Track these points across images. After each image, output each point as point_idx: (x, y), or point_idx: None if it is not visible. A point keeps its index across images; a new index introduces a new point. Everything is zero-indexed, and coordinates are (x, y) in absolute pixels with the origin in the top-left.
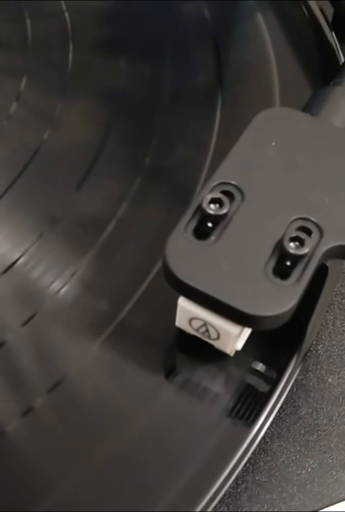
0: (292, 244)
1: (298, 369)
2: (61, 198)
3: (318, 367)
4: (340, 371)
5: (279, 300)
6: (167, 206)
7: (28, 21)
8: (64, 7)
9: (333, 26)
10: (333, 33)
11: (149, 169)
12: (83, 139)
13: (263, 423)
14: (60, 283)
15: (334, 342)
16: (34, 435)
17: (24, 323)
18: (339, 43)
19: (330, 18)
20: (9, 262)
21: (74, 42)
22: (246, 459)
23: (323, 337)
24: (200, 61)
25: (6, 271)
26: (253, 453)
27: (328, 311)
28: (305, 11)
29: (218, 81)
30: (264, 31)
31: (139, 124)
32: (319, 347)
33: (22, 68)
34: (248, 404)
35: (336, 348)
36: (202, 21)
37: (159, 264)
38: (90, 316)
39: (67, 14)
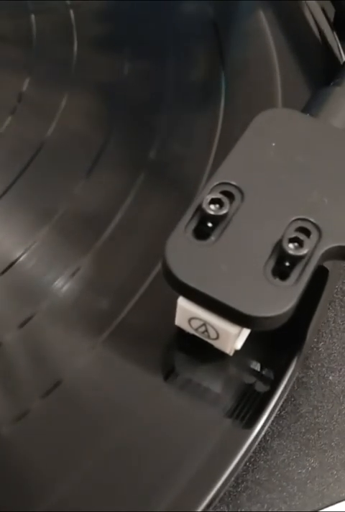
0: (291, 245)
1: (298, 370)
2: (63, 195)
3: (319, 365)
4: (341, 369)
5: (278, 301)
6: (169, 204)
7: (32, 16)
8: (68, 3)
9: (334, 27)
10: (335, 33)
11: (151, 167)
12: (86, 135)
13: (263, 423)
14: (60, 282)
15: (335, 340)
16: (34, 435)
17: (25, 322)
18: (341, 43)
19: (331, 18)
20: (11, 260)
21: (78, 38)
22: (246, 459)
23: (324, 335)
24: (203, 59)
25: (7, 269)
26: (253, 452)
27: (329, 309)
28: (306, 11)
29: (220, 80)
30: (267, 31)
31: (141, 122)
32: (320, 345)
33: (26, 64)
34: (248, 404)
35: (337, 346)
36: (205, 20)
37: (160, 265)
38: (90, 315)
39: (71, 10)
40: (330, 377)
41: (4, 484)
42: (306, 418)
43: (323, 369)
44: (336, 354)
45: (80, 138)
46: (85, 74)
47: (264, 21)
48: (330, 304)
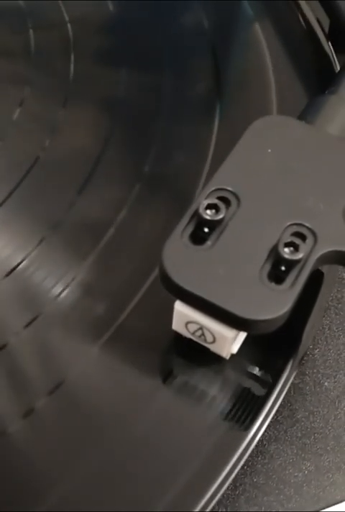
0: (286, 250)
1: (294, 373)
2: (62, 203)
3: (315, 370)
4: (336, 375)
5: (274, 305)
6: (165, 212)
7: (31, 31)
8: (67, 18)
9: (329, 37)
10: (330, 43)
11: (148, 176)
12: (84, 146)
13: (259, 426)
14: (60, 287)
15: (330, 346)
16: (35, 436)
17: (26, 326)
18: (335, 53)
19: (326, 28)
20: (11, 266)
21: (76, 52)
22: (243, 461)
23: (319, 341)
24: (199, 71)
25: (8, 274)
26: (250, 455)
27: (324, 316)
28: (302, 21)
29: (216, 90)
30: (262, 41)
31: (138, 132)
32: (315, 351)
33: (25, 77)
34: (244, 407)
35: (332, 352)
36: (201, 31)
37: (157, 269)
38: (90, 319)
39: (69, 25)
40: (326, 383)
41: (7, 482)
42: (302, 423)
43: (319, 375)
44: (331, 361)
45: (78, 149)
46: (83, 87)
47: (259, 31)
48: (325, 311)
